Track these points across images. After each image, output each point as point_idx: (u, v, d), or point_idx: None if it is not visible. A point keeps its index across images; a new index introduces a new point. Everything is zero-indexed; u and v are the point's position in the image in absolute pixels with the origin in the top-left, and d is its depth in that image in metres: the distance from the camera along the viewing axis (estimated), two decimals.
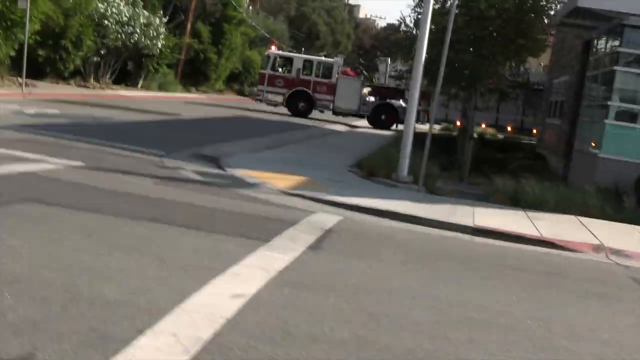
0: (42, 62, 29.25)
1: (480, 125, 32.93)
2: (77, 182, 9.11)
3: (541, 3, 14.68)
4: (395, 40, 21.93)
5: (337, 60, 37.17)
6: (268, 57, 35.53)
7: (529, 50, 15.15)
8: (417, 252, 7.93)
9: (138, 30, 33.70)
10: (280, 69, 34.72)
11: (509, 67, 16.09)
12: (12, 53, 26.10)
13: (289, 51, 44.03)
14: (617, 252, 9.68)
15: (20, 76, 25.06)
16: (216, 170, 12.37)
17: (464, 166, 15.66)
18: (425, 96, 35.80)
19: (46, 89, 27.19)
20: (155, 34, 34.85)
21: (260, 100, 35.00)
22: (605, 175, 14.64)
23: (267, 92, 34.22)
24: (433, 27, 13.34)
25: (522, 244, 9.55)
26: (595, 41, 18.10)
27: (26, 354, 3.76)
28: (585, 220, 11.77)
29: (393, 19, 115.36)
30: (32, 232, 6.20)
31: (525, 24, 14.48)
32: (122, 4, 33.07)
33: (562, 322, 5.80)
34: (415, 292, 6.07)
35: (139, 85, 37.07)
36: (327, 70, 34.96)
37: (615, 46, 15.39)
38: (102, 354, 3.90)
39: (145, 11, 34.87)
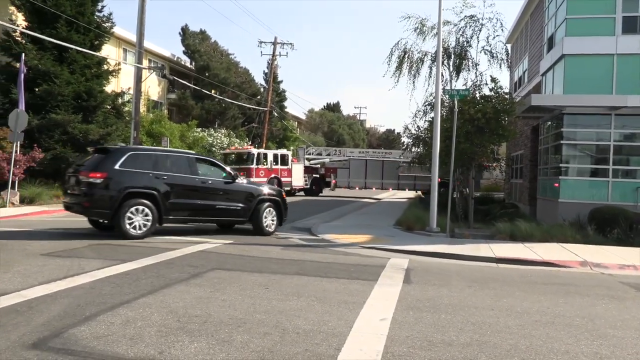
0: None
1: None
2: (236, 253, 9.13)
3: (507, 107, 14.67)
4: (405, 139, 21.89)
5: (288, 152, 31.87)
6: (252, 154, 28.25)
7: (505, 137, 15.10)
8: (472, 278, 7.72)
9: None
10: (261, 164, 28.50)
11: (491, 150, 15.96)
12: None
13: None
14: (598, 265, 9.37)
15: None
16: (312, 237, 12.31)
17: (469, 216, 15.43)
18: (332, 171, 34.91)
19: None
20: None
21: None
22: (565, 214, 14.37)
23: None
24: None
25: (531, 265, 9.30)
26: (541, 126, 18.09)
27: None
28: (565, 245, 11.48)
29: (388, 126, 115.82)
30: (230, 289, 6.20)
31: (500, 120, 14.49)
32: (222, 136, 33.95)
33: (599, 316, 5.59)
34: (490, 305, 5.91)
35: None
36: (285, 159, 30.29)
37: (559, 128, 15.35)
38: None
39: (237, 139, 35.71)
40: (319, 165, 35.32)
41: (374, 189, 34.48)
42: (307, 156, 35.26)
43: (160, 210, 10.48)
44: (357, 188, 34.39)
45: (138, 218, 10.19)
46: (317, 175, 33.95)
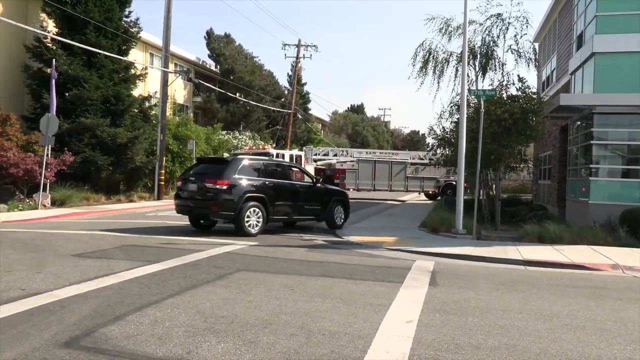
0: None
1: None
2: (261, 255, 9.21)
3: (535, 107, 14.40)
4: (431, 139, 21.43)
5: (301, 153, 31.56)
6: (271, 154, 27.42)
7: (533, 138, 14.84)
8: (499, 280, 7.61)
9: None
10: None
11: (518, 151, 15.70)
12: None
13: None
14: (630, 268, 9.13)
15: None
16: (336, 238, 12.32)
17: (496, 218, 15.21)
18: (341, 172, 33.60)
19: None
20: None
21: None
22: (596, 216, 14.04)
23: None
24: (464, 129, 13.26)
25: (561, 268, 9.11)
26: (571, 126, 17.72)
27: None
28: (596, 247, 11.21)
29: (413, 127, 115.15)
30: (256, 290, 6.25)
31: (528, 120, 14.24)
32: (247, 139, 34.20)
33: (632, 320, 5.45)
34: (519, 308, 5.82)
35: None
36: (299, 161, 29.87)
37: (589, 127, 15.01)
38: None
39: (262, 142, 35.91)
40: (325, 167, 35.10)
41: (386, 190, 33.80)
42: (313, 157, 34.98)
43: (268, 211, 12.12)
44: (367, 190, 33.80)
45: (253, 218, 11.83)
46: (325, 177, 33.55)
